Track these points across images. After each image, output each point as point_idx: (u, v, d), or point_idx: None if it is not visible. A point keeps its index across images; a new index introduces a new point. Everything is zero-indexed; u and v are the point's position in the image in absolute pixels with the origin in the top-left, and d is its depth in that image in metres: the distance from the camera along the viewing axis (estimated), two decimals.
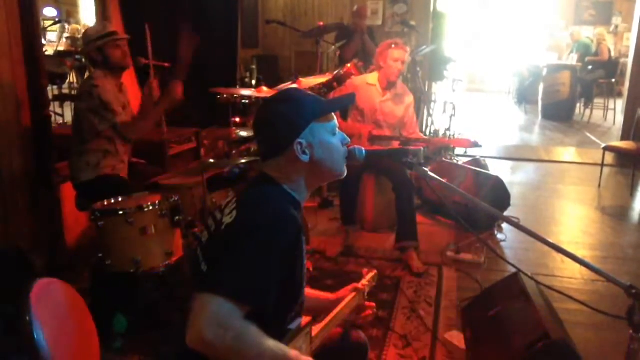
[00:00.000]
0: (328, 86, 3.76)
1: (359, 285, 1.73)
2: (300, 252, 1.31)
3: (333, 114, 1.41)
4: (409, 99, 3.65)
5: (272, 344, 1.17)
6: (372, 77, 3.59)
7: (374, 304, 1.76)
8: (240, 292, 1.13)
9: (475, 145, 3.32)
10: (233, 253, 1.18)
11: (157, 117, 3.06)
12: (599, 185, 5.21)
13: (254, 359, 1.13)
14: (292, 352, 1.22)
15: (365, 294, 1.75)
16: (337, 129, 1.40)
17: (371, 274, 1.81)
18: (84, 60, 6.36)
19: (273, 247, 1.19)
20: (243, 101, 4.06)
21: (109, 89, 2.82)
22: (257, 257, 1.17)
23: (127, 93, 3.08)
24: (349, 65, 3.88)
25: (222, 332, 1.09)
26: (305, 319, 1.43)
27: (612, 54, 9.31)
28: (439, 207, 4.23)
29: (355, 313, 1.71)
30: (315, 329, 1.46)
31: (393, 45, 3.44)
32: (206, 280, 1.19)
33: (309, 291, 1.66)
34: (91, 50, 2.86)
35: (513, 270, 2.83)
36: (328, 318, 1.54)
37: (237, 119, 3.87)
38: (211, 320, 1.09)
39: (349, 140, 1.42)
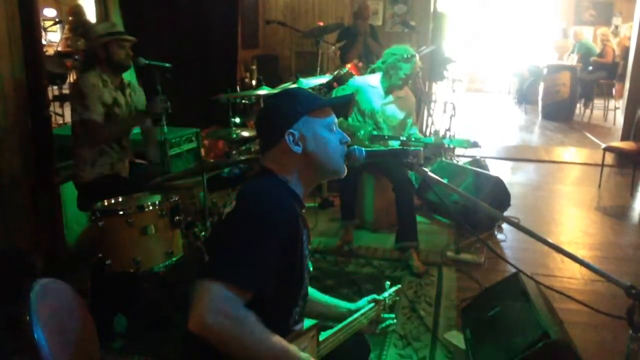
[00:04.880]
0: (328, 86, 3.76)
1: (379, 298, 1.73)
2: (300, 242, 1.32)
3: (333, 112, 1.41)
4: (411, 101, 3.65)
5: (271, 336, 1.18)
6: (374, 79, 3.58)
7: (394, 316, 1.75)
8: (239, 278, 1.15)
9: (475, 145, 3.32)
10: (231, 240, 1.20)
11: (131, 126, 3.04)
12: (599, 186, 5.21)
13: (252, 346, 1.14)
14: (292, 347, 1.22)
15: (386, 306, 1.74)
16: (336, 127, 1.40)
17: (394, 288, 1.80)
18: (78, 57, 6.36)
19: (270, 233, 1.21)
20: (243, 101, 4.06)
21: (93, 83, 2.79)
22: (254, 242, 1.18)
23: (129, 94, 3.06)
24: (349, 65, 3.88)
25: (222, 318, 1.10)
26: (311, 323, 1.43)
27: (617, 53, 9.27)
28: (439, 207, 4.24)
29: (374, 324, 1.70)
30: (325, 335, 1.46)
31: (408, 57, 3.38)
32: (207, 268, 1.21)
33: (327, 298, 1.67)
34: (96, 46, 2.87)
35: (513, 270, 2.84)
36: (340, 326, 1.54)
37: (237, 119, 3.87)
38: (211, 305, 1.11)
39: (349, 139, 1.43)
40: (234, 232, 1.21)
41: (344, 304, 1.69)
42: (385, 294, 1.76)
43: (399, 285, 1.83)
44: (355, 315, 1.61)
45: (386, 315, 1.73)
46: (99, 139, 2.83)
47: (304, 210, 1.41)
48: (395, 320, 1.74)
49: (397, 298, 1.82)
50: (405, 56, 3.39)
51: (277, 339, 1.19)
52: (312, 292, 1.57)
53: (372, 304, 1.69)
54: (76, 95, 2.77)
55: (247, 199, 1.28)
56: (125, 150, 3.01)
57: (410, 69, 3.40)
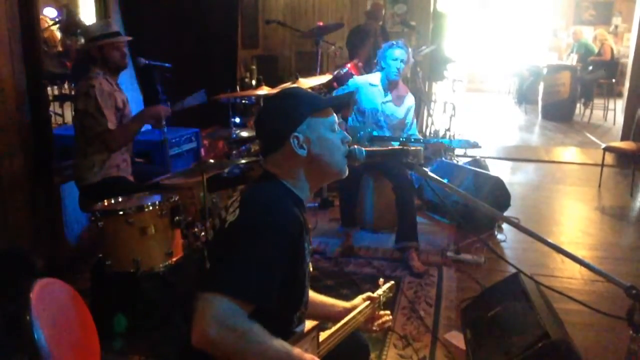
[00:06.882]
0: (328, 86, 3.76)
1: (374, 295, 1.73)
2: (303, 250, 1.31)
3: (333, 111, 1.41)
4: (411, 100, 3.65)
5: (275, 341, 1.17)
6: (375, 78, 3.60)
7: (389, 312, 1.76)
8: (243, 290, 1.14)
9: (475, 146, 3.32)
10: (236, 251, 1.18)
11: (138, 128, 3.04)
12: (599, 186, 5.21)
13: (257, 356, 1.13)
14: (296, 350, 1.22)
15: (381, 303, 1.75)
16: (337, 126, 1.40)
17: (388, 284, 1.81)
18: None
19: (275, 245, 1.19)
20: (243, 101, 4.06)
21: (105, 89, 2.82)
22: (259, 255, 1.17)
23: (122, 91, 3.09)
24: (349, 65, 3.89)
25: (226, 331, 1.09)
26: (312, 324, 1.43)
27: (614, 52, 9.29)
28: (439, 207, 4.24)
29: (370, 322, 1.71)
30: (324, 335, 1.46)
31: (393, 44, 3.47)
32: (209, 279, 1.19)
33: (323, 298, 1.67)
34: (91, 48, 2.88)
35: (513, 270, 2.84)
36: (338, 325, 1.54)
37: (237, 119, 3.86)
38: (215, 319, 1.09)
39: (350, 138, 1.42)
40: (237, 243, 1.19)
41: (339, 303, 1.69)
42: (380, 291, 1.77)
43: (392, 282, 1.84)
44: (352, 314, 1.61)
45: (382, 312, 1.74)
46: (115, 147, 2.85)
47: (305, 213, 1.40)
48: (390, 317, 1.75)
49: (391, 295, 1.82)
50: (390, 44, 3.48)
51: (281, 345, 1.18)
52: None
53: (367, 302, 1.70)
54: (94, 107, 2.76)
55: (251, 208, 1.26)
56: (128, 149, 3.03)
57: (399, 52, 3.43)
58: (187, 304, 1.18)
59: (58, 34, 6.64)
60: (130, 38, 2.97)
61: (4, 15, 2.82)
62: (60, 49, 6.43)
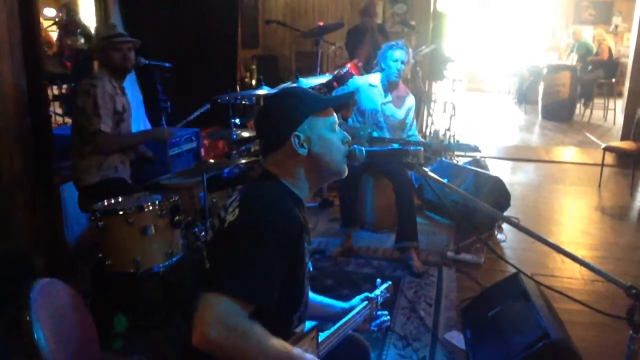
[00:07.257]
0: (328, 86, 3.76)
1: (372, 295, 1.73)
2: (302, 251, 1.31)
3: (333, 111, 1.41)
4: (411, 101, 3.65)
5: (276, 342, 1.17)
6: (375, 78, 3.59)
7: (387, 313, 1.76)
8: (244, 291, 1.13)
9: (475, 149, 3.32)
10: (235, 251, 1.18)
11: (136, 143, 3.09)
12: (599, 185, 5.21)
13: (258, 356, 1.13)
14: (296, 350, 1.22)
15: (379, 303, 1.75)
16: (337, 126, 1.40)
17: (385, 285, 1.81)
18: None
19: (275, 245, 1.19)
20: (243, 102, 4.06)
21: (107, 91, 2.82)
22: (259, 255, 1.17)
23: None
24: (349, 65, 3.88)
25: (227, 332, 1.09)
26: (311, 324, 1.43)
27: (613, 52, 9.30)
28: (439, 207, 4.24)
29: (367, 322, 1.71)
30: (323, 336, 1.46)
31: (393, 45, 3.46)
32: (210, 280, 1.19)
33: (321, 298, 1.67)
34: (94, 50, 2.90)
35: (513, 270, 2.84)
36: (337, 326, 1.54)
37: (237, 120, 3.86)
38: (216, 319, 1.09)
39: (350, 138, 1.42)
40: (237, 243, 1.19)
41: (337, 304, 1.69)
42: (377, 292, 1.77)
43: (389, 282, 1.84)
44: (350, 315, 1.61)
45: (379, 313, 1.74)
46: (106, 150, 2.84)
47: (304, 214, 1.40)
48: (388, 317, 1.76)
49: (389, 295, 1.83)
50: (390, 45, 3.47)
51: (282, 345, 1.18)
52: None
53: (365, 302, 1.70)
54: (91, 106, 2.75)
55: (251, 208, 1.25)
56: (128, 155, 3.02)
57: (399, 53, 3.42)
58: (188, 303, 1.18)
59: (53, 35, 6.64)
60: (134, 40, 2.95)
61: (4, 16, 2.82)
62: (55, 49, 6.42)
